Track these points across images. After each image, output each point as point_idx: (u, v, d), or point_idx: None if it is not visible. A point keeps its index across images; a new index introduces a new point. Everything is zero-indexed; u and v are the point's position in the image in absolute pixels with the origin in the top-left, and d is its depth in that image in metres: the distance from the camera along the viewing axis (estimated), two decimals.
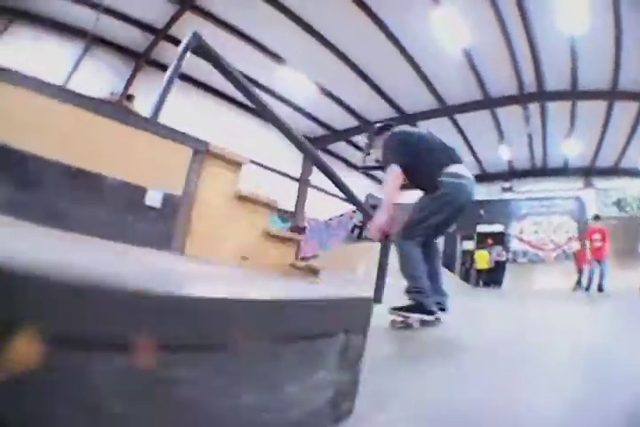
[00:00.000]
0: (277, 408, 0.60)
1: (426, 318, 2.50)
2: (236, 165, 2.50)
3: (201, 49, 2.72)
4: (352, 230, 16.30)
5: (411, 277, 2.52)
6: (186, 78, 11.77)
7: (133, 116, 2.15)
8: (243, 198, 2.53)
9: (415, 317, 2.47)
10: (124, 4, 9.45)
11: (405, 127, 3.00)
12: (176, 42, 10.10)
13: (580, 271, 12.85)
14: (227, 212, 2.42)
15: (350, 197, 4.58)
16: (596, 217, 10.49)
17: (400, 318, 2.50)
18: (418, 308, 2.46)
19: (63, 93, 1.97)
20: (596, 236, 9.73)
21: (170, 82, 2.62)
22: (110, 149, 2.02)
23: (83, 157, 1.92)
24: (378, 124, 3.13)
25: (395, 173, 2.56)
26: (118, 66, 10.74)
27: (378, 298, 4.99)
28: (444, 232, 3.03)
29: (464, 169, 2.69)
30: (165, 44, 10.56)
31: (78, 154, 1.91)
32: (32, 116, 1.75)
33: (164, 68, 11.29)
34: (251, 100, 2.98)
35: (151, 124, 2.19)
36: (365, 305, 0.85)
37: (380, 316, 2.84)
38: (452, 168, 2.60)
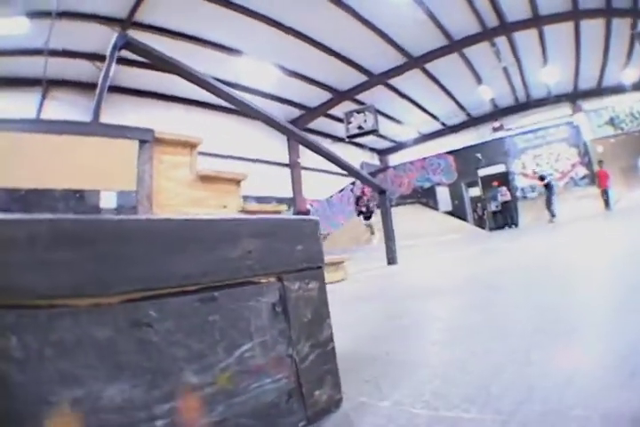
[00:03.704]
0: None
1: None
2: (189, 146, 2.38)
3: (131, 46, 2.62)
4: (357, 203, 15.89)
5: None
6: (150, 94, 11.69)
7: (68, 124, 2.02)
8: (206, 178, 2.41)
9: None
10: (67, 41, 9.16)
11: None
12: (128, 62, 9.84)
13: (604, 192, 12.44)
14: (191, 194, 2.30)
15: (344, 166, 4.49)
16: None
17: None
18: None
19: None
20: None
21: (105, 80, 2.50)
22: (54, 163, 1.90)
23: (28, 177, 1.82)
24: None
25: None
26: (79, 101, 10.30)
27: (392, 260, 4.96)
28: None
29: None
30: (119, 67, 10.28)
31: (22, 175, 1.82)
32: None
33: (125, 90, 11.11)
34: (201, 84, 2.88)
35: (90, 127, 2.08)
36: None
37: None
38: None
